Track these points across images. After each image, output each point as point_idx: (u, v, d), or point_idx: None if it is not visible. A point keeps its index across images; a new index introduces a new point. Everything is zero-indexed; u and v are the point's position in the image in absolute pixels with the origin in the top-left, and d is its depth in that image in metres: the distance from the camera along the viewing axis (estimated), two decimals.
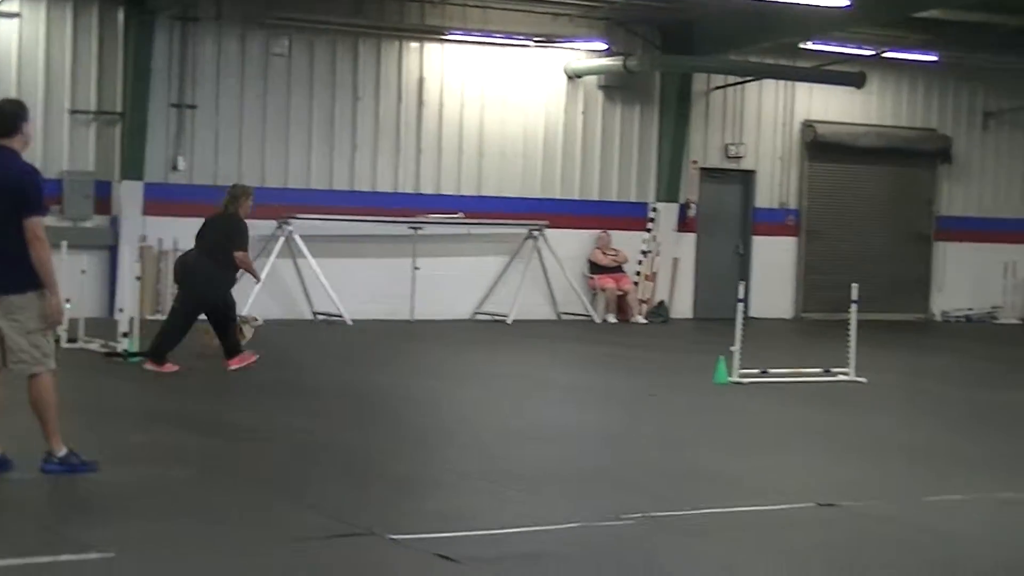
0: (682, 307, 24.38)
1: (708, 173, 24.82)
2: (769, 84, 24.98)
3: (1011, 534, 8.71)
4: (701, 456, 11.12)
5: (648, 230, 24.16)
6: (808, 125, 25.44)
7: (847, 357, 15.99)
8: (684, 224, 24.44)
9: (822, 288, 24.97)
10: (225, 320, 15.16)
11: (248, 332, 16.33)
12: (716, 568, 7.61)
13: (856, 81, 24.09)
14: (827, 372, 15.98)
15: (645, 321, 23.57)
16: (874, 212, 26.11)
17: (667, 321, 23.78)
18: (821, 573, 7.59)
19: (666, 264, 24.18)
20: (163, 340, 14.88)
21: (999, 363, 19.72)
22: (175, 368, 14.67)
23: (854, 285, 16.33)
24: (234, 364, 15.01)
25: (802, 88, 25.23)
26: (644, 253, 24.07)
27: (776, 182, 25.33)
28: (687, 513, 8.79)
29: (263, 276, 18.45)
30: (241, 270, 15.27)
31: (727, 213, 25.04)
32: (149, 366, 14.75)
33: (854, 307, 16.25)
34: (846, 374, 15.95)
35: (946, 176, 26.82)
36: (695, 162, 24.56)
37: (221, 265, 15.00)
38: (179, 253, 21.01)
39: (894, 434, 12.68)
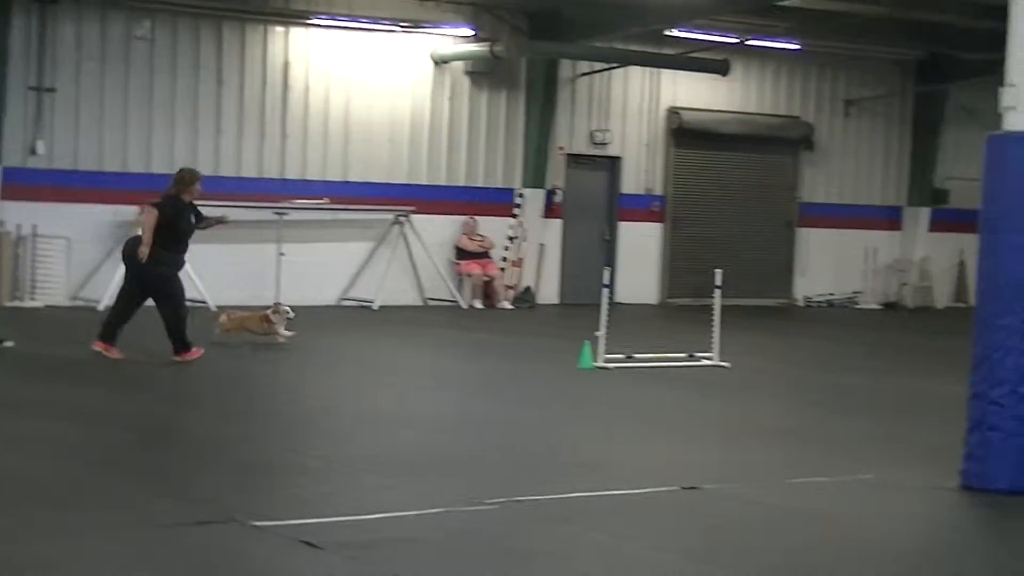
0: (548, 293, 24.47)
1: (574, 159, 24.93)
2: (635, 71, 25.14)
3: (872, 514, 8.87)
4: (565, 441, 11.17)
5: (514, 216, 24.20)
6: (673, 112, 25.65)
7: (711, 342, 16.16)
8: (550, 210, 24.52)
9: (687, 274, 25.22)
10: (172, 311, 14.78)
11: (278, 321, 16.21)
12: (579, 552, 7.63)
13: (720, 69, 24.35)
14: (691, 357, 16.15)
15: (511, 307, 23.61)
16: (738, 198, 26.41)
17: (533, 307, 23.85)
18: (683, 555, 7.65)
19: (532, 250, 24.24)
20: (109, 321, 14.84)
21: (860, 347, 20.06)
22: (120, 356, 14.58)
23: (718, 271, 16.52)
24: (182, 358, 14.71)
25: (667, 75, 25.43)
26: (510, 239, 24.10)
27: (642, 168, 25.51)
28: (551, 498, 8.81)
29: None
30: (185, 256, 15.11)
31: (593, 199, 25.17)
32: (97, 347, 14.63)
33: (718, 292, 16.45)
34: (710, 359, 16.13)
35: (808, 163, 27.22)
36: (561, 148, 24.65)
37: (167, 249, 14.69)
38: (38, 239, 20.60)
39: (757, 418, 12.84)
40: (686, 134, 25.76)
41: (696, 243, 25.65)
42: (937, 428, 11.61)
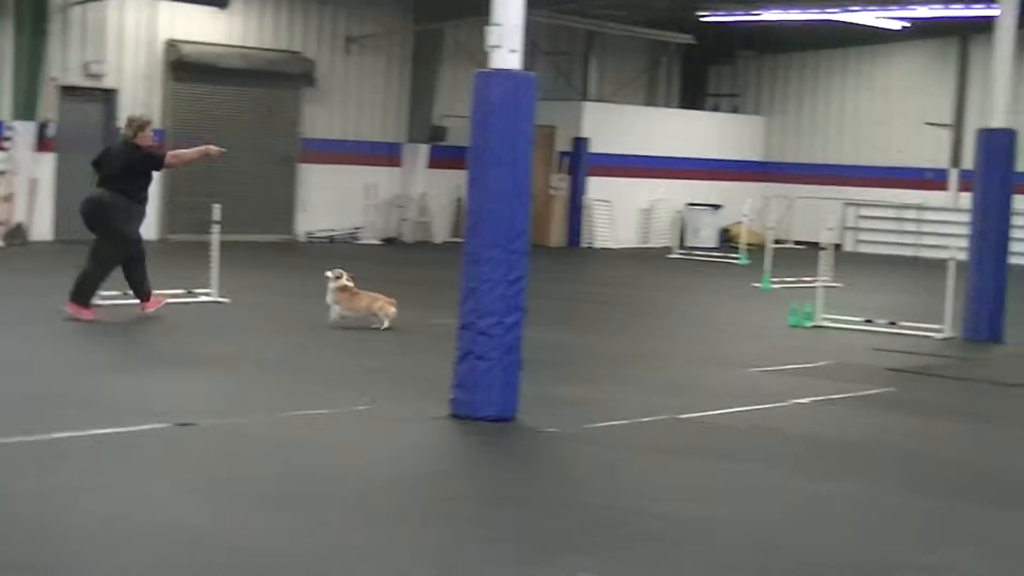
0: (41, 229, 23.63)
1: (68, 91, 24.09)
2: (131, 1, 24.51)
3: (363, 444, 9.08)
4: (59, 380, 10.87)
5: (4, 150, 23.19)
6: (172, 45, 25.19)
7: (210, 278, 16.06)
8: (43, 144, 23.63)
9: (187, 210, 24.91)
10: (137, 259, 14.49)
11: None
12: (71, 493, 7.46)
13: (219, 2, 24.07)
14: (190, 293, 16.00)
15: (3, 244, 22.67)
16: (240, 134, 26.21)
17: (25, 244, 22.98)
18: (174, 489, 7.60)
19: (24, 185, 23.31)
20: (83, 283, 14.29)
21: (360, 281, 20.35)
22: (93, 316, 14.03)
23: (215, 206, 16.42)
24: (150, 308, 14.74)
25: (166, 7, 24.93)
26: (0, 173, 23.09)
27: (140, 102, 24.88)
28: (42, 438, 8.58)
29: None
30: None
31: (88, 133, 24.40)
32: (70, 309, 14.10)
33: (216, 228, 16.36)
34: (208, 295, 16.03)
35: (310, 99, 27.34)
36: (53, 79, 23.76)
37: (133, 198, 14.35)
38: None
39: (256, 352, 12.87)
40: (186, 67, 25.36)
41: (196, 178, 25.28)
42: (434, 360, 11.96)
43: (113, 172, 14.48)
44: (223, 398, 10.48)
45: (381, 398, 10.61)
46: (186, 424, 9.25)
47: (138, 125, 14.65)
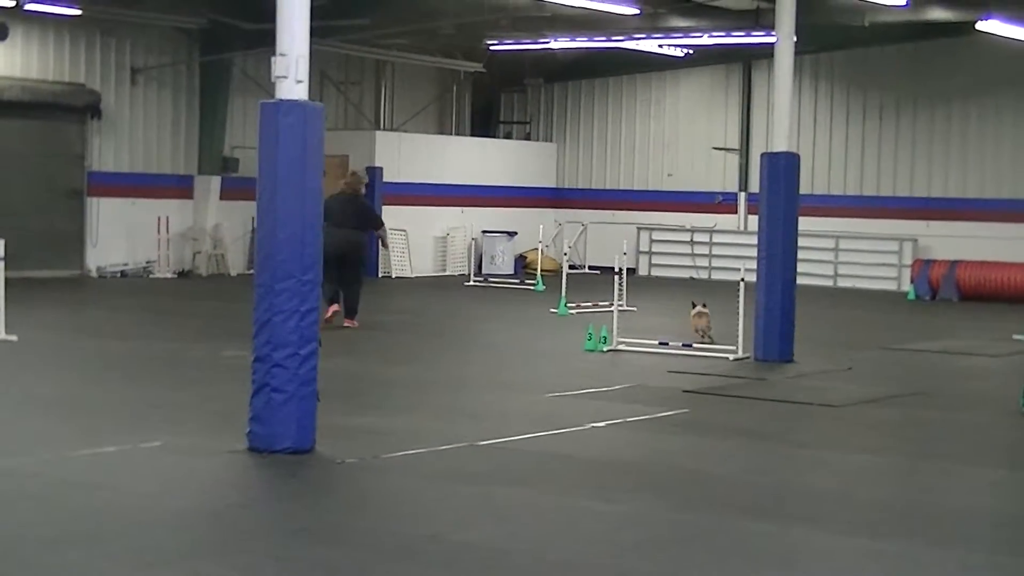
0: None
1: None
2: None
3: (156, 480, 8.94)
4: None
5: None
6: None
7: None
8: None
9: None
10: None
11: None
12: None
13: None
14: None
15: None
16: (24, 168, 25.65)
17: None
18: None
19: None
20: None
21: (153, 315, 20.12)
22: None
23: None
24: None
25: None
26: None
27: None
28: None
29: None
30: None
31: None
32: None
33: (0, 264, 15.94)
34: None
35: (97, 131, 26.85)
36: None
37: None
38: None
39: (44, 391, 12.59)
40: None
41: None
42: (230, 393, 11.83)
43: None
44: (6, 438, 10.20)
45: (176, 433, 10.47)
46: None
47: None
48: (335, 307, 18.33)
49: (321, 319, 16.88)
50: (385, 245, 20.81)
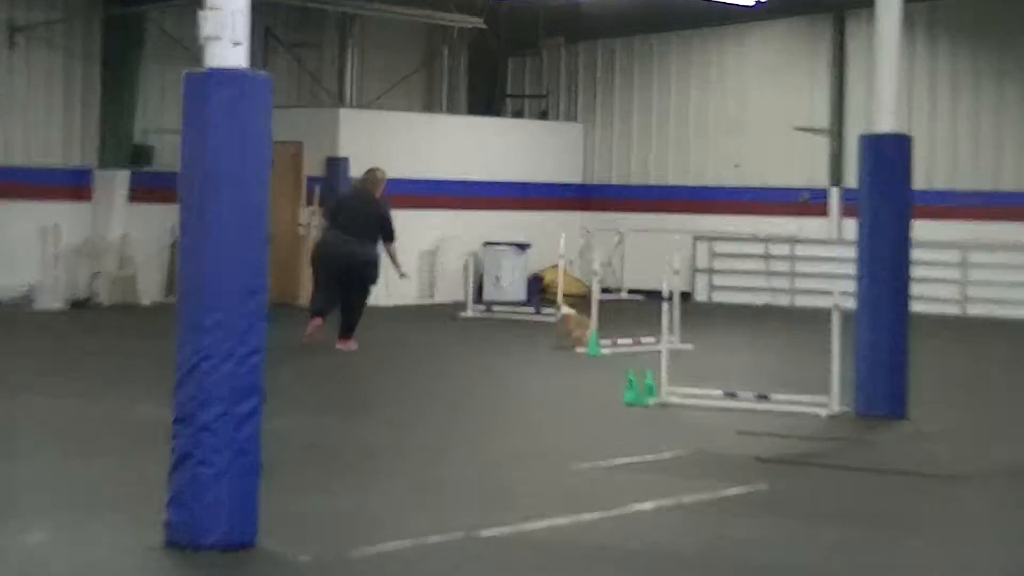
0: None
1: None
2: None
3: None
4: None
5: None
6: None
7: None
8: None
9: None
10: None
11: None
12: None
13: None
14: None
15: None
16: None
17: None
18: None
19: None
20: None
21: (36, 361, 20.05)
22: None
23: None
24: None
25: None
26: None
27: None
28: None
29: None
30: None
31: None
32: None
33: None
34: None
35: None
36: None
37: None
38: None
39: None
40: None
41: None
42: (140, 467, 11.77)
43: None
44: None
45: (68, 523, 10.40)
46: None
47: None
48: (318, 321, 18.27)
49: (302, 335, 17.27)
50: (397, 268, 20.83)
